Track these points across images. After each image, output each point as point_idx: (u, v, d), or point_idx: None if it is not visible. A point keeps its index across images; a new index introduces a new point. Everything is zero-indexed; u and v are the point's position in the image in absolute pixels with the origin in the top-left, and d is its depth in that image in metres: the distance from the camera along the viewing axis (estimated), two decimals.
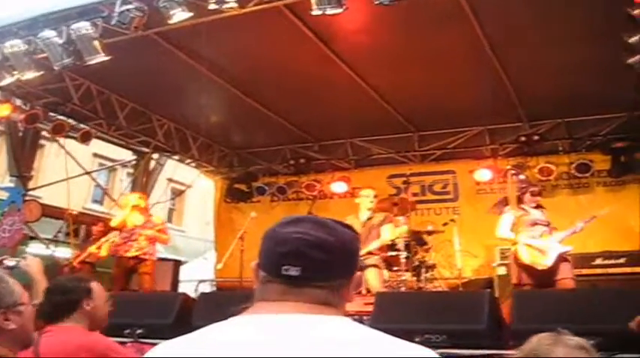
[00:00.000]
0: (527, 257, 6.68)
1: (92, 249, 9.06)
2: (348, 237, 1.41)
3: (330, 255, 1.34)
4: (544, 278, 6.60)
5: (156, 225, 8.66)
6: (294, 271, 1.31)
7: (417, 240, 8.53)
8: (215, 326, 1.31)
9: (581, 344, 1.74)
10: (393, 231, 8.01)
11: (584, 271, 8.32)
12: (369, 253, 7.53)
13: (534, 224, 6.85)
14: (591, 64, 7.85)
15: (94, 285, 3.11)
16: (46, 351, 2.67)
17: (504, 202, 7.26)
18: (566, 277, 6.57)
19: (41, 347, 2.67)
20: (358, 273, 1.45)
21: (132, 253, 8.34)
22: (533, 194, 7.08)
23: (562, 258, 6.62)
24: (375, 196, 8.09)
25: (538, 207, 7.05)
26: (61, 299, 2.97)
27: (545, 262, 6.59)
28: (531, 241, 6.73)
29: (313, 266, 1.32)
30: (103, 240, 8.98)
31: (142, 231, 8.42)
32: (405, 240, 8.33)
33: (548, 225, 6.88)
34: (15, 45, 7.20)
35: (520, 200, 7.09)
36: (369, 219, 7.82)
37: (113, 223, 8.71)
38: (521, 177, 8.29)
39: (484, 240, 9.77)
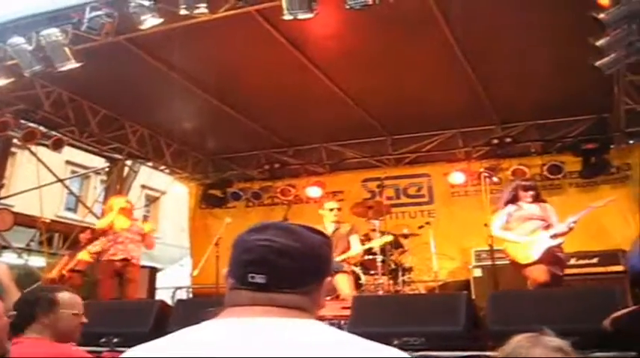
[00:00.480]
0: (512, 253, 6.68)
1: (81, 255, 8.91)
2: (315, 242, 1.42)
3: (295, 261, 1.35)
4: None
5: (141, 229, 8.63)
6: (259, 278, 1.32)
7: (392, 243, 8.55)
8: (186, 329, 1.33)
9: (560, 345, 1.75)
10: (374, 240, 8.12)
11: None
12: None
13: (527, 219, 6.77)
14: (561, 67, 7.96)
15: (62, 296, 2.99)
16: None
17: (504, 198, 7.11)
18: (543, 268, 6.42)
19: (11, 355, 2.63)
20: (328, 278, 1.45)
21: (119, 256, 8.27)
22: (524, 189, 6.99)
23: (551, 253, 6.50)
24: (339, 209, 8.13)
25: (536, 202, 6.94)
26: (23, 311, 2.90)
27: (529, 256, 6.50)
28: (518, 238, 6.69)
29: (278, 273, 1.33)
30: (90, 247, 8.84)
31: (127, 235, 8.38)
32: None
33: (543, 220, 6.75)
34: None
35: (516, 197, 6.96)
36: (336, 230, 7.88)
37: (99, 225, 8.61)
38: (494, 179, 8.34)
39: (460, 242, 9.84)
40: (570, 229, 6.61)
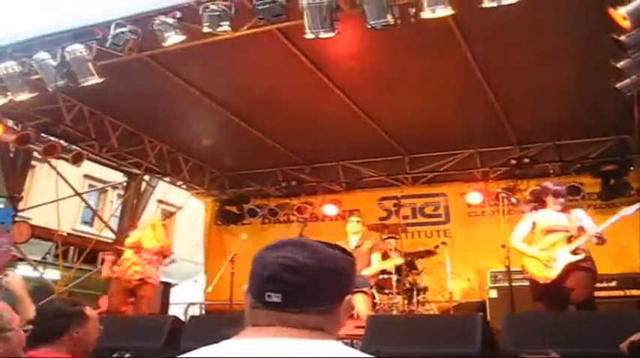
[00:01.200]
0: (531, 269, 6.27)
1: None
2: (335, 259, 1.38)
3: (311, 279, 1.31)
4: (551, 292, 6.12)
5: (166, 249, 8.58)
6: (275, 297, 1.29)
7: (408, 263, 8.51)
8: (205, 348, 1.31)
9: None
10: (385, 261, 8.05)
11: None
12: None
13: (550, 231, 6.27)
14: (581, 88, 7.94)
15: (88, 310, 3.05)
16: None
17: (530, 202, 6.79)
18: (576, 287, 5.95)
19: None
20: (349, 296, 1.41)
21: (136, 276, 8.19)
22: (555, 195, 6.36)
23: (572, 268, 6.00)
24: (359, 221, 8.10)
25: (564, 211, 6.35)
26: (52, 323, 2.89)
27: (548, 274, 6.10)
28: (537, 252, 6.25)
29: (294, 291, 1.30)
30: (115, 268, 8.67)
31: (146, 256, 8.31)
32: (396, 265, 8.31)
33: (567, 231, 6.18)
34: (9, 66, 7.22)
35: (544, 203, 6.44)
36: (358, 246, 7.83)
37: (128, 242, 8.52)
38: (513, 200, 8.25)
39: (476, 262, 9.77)
40: (599, 240, 6.04)
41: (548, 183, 6.62)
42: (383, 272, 8.10)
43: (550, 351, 1.69)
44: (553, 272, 6.08)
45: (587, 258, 6.11)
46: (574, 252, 6.07)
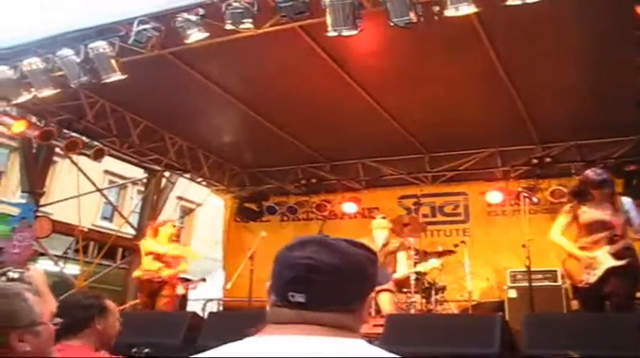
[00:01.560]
0: (570, 268, 5.85)
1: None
2: (358, 257, 1.37)
3: (335, 280, 1.31)
4: (589, 295, 5.74)
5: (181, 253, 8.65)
6: (299, 298, 1.29)
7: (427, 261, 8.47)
8: (229, 345, 1.30)
9: None
10: (416, 264, 8.03)
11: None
12: None
13: (592, 227, 5.74)
14: (603, 87, 7.86)
15: (109, 303, 3.10)
16: None
17: (575, 194, 6.06)
18: (614, 293, 5.52)
19: None
20: (372, 294, 1.41)
21: (156, 278, 8.27)
22: (594, 186, 5.75)
23: (613, 273, 5.52)
24: (384, 217, 8.11)
25: (610, 201, 5.75)
26: (75, 316, 2.92)
27: (587, 278, 5.64)
28: (578, 252, 5.75)
29: (318, 291, 1.30)
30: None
31: (166, 259, 8.36)
32: (416, 260, 8.27)
33: (611, 227, 5.63)
34: (33, 63, 7.30)
35: (585, 194, 5.86)
36: (385, 245, 7.81)
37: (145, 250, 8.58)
38: (534, 199, 8.15)
39: (495, 262, 9.71)
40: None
41: (590, 172, 5.95)
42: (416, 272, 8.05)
43: (570, 352, 1.66)
44: (592, 278, 5.61)
45: (631, 260, 5.57)
46: (617, 256, 5.55)
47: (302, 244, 1.36)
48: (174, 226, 8.95)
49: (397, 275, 7.73)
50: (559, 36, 6.97)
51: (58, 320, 2.75)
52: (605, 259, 5.56)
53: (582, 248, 5.77)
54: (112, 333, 3.08)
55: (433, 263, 8.04)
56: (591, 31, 6.73)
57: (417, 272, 7.97)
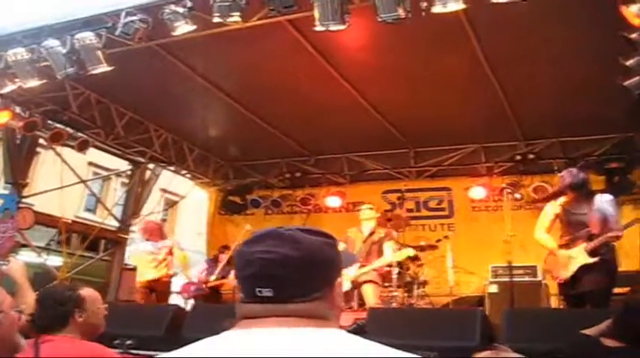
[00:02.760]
0: (549, 265, 6.21)
1: None
2: (316, 245, 1.37)
3: (298, 271, 1.31)
4: (567, 292, 6.09)
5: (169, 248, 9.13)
6: (266, 292, 1.29)
7: (413, 255, 8.52)
8: (208, 339, 1.31)
9: None
10: (396, 252, 8.03)
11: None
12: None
13: (570, 226, 6.06)
14: (588, 85, 7.92)
15: (86, 293, 3.04)
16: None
17: (553, 195, 6.45)
18: (590, 289, 5.77)
19: (42, 354, 2.65)
20: (340, 279, 1.41)
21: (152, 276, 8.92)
22: (571, 189, 6.07)
23: (587, 270, 5.79)
24: (371, 208, 8.18)
25: (587, 201, 5.98)
26: (53, 312, 2.91)
27: (562, 275, 5.98)
28: (557, 250, 6.09)
29: (284, 284, 1.30)
30: None
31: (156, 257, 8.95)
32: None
33: (588, 226, 5.89)
34: (18, 53, 7.21)
35: (565, 194, 6.17)
36: (370, 234, 7.86)
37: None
38: (517, 195, 8.24)
39: (478, 257, 9.77)
40: (616, 237, 5.80)
41: (566, 174, 6.22)
42: (389, 264, 8.10)
43: (498, 345, 1.71)
44: (567, 273, 5.93)
45: (605, 258, 5.81)
46: (592, 253, 5.79)
47: (258, 238, 1.37)
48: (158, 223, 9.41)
49: (378, 264, 7.75)
50: (545, 34, 7.03)
51: (23, 307, 2.74)
52: (579, 256, 5.84)
53: (563, 246, 6.05)
54: (96, 322, 3.05)
55: (406, 251, 8.03)
56: (576, 29, 6.78)
57: (397, 263, 8.02)
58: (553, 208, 6.25)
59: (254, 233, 1.40)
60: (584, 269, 5.80)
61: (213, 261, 10.28)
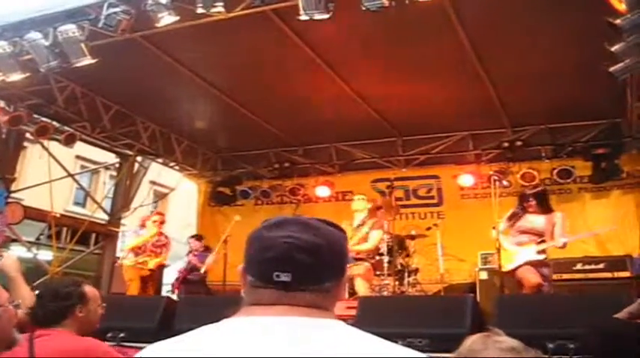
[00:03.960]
0: (502, 259, 6.85)
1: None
2: (335, 236, 1.40)
3: (318, 258, 1.32)
4: (511, 281, 6.90)
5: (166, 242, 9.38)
6: (285, 277, 1.30)
7: (399, 244, 8.56)
8: (208, 327, 1.30)
9: (512, 346, 1.75)
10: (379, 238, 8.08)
11: (565, 276, 8.44)
12: (359, 259, 7.64)
13: (524, 232, 6.91)
14: (574, 71, 7.95)
15: (88, 289, 3.08)
16: (41, 353, 2.65)
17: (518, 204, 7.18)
18: (523, 276, 6.59)
19: (37, 350, 2.65)
20: (348, 274, 1.44)
21: (147, 266, 9.06)
22: (524, 198, 7.09)
23: (528, 264, 6.68)
24: (364, 199, 8.27)
25: (544, 212, 6.97)
26: (54, 305, 2.92)
27: (509, 266, 6.79)
28: (509, 246, 6.92)
29: (303, 270, 1.31)
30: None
31: (152, 247, 9.15)
32: (388, 244, 8.35)
33: (541, 235, 6.83)
34: (0, 46, 7.15)
35: (522, 205, 7.11)
36: (360, 225, 7.91)
37: (137, 242, 9.19)
38: (504, 183, 8.30)
39: (468, 244, 9.83)
40: (563, 247, 6.79)
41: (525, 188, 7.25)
42: (375, 252, 8.12)
43: (491, 328, 1.75)
44: (511, 265, 6.80)
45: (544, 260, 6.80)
46: (539, 252, 6.75)
47: (280, 224, 1.37)
48: (160, 214, 9.64)
49: (361, 248, 7.82)
50: (530, 21, 7.03)
51: (18, 302, 2.75)
52: (528, 253, 6.75)
53: (513, 245, 6.95)
54: (94, 319, 3.08)
55: (376, 233, 8.08)
56: (562, 16, 6.78)
57: (388, 252, 8.08)
58: (511, 216, 7.11)
59: (271, 219, 1.41)
60: (526, 263, 6.69)
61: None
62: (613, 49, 5.86)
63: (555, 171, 10.23)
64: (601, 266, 8.67)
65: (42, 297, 3.01)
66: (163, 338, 1.33)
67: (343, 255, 1.43)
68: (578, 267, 8.67)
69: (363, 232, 7.90)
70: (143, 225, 9.26)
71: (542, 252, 6.74)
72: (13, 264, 3.53)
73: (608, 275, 8.57)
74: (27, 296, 3.26)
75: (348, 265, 1.47)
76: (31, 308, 2.94)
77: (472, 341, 1.80)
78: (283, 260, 1.31)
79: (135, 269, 8.95)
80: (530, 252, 6.72)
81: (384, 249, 8.21)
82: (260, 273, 1.34)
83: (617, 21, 5.53)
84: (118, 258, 11.67)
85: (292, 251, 1.31)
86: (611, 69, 6.08)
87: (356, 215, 8.11)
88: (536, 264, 6.65)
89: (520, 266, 6.67)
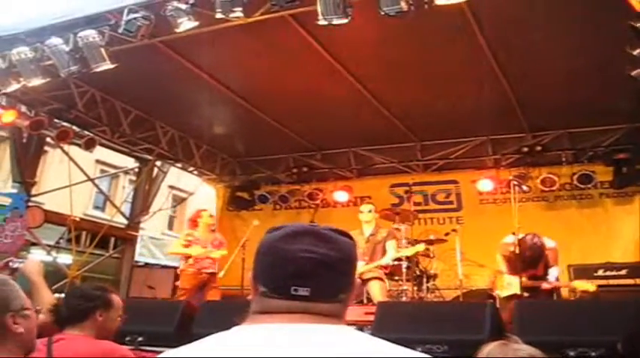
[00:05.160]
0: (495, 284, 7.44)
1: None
2: (349, 247, 1.39)
3: (335, 272, 1.32)
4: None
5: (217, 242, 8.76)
6: (303, 291, 1.28)
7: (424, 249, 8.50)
8: (219, 334, 1.29)
9: (531, 354, 1.72)
10: (400, 250, 8.02)
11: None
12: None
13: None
14: (594, 75, 7.88)
15: (114, 298, 3.12)
16: (60, 355, 2.68)
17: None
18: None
19: (55, 352, 2.68)
20: (358, 281, 1.43)
21: (208, 270, 8.52)
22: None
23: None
24: (370, 211, 8.12)
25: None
26: (78, 304, 2.97)
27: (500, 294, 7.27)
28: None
29: (322, 285, 1.30)
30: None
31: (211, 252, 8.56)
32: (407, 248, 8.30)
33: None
34: (22, 52, 7.24)
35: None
36: (373, 235, 7.86)
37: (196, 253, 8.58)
38: (524, 188, 8.22)
39: (487, 250, 9.75)
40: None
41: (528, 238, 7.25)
42: (399, 259, 8.07)
43: (509, 336, 1.71)
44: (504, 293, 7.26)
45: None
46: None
47: (295, 235, 1.34)
48: (212, 216, 9.13)
49: (382, 262, 7.75)
50: (550, 25, 6.98)
51: (39, 308, 2.79)
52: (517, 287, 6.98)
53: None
54: (112, 327, 3.09)
55: (417, 247, 8.05)
56: (582, 18, 6.73)
57: (407, 258, 7.99)
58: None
59: (284, 228, 1.38)
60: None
61: None
62: (635, 52, 5.80)
63: (575, 176, 10.13)
64: (623, 272, 8.57)
65: (69, 295, 3.04)
66: (181, 343, 1.32)
67: (355, 266, 1.42)
68: (600, 273, 8.56)
69: (376, 242, 7.85)
70: (195, 224, 8.85)
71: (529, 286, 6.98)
72: (35, 268, 3.56)
73: (631, 281, 8.47)
74: (48, 299, 3.28)
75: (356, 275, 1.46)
76: (55, 305, 2.97)
77: (490, 349, 1.77)
78: (303, 275, 1.29)
79: (192, 276, 8.50)
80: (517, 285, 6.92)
81: (412, 255, 8.15)
82: (276, 286, 1.31)
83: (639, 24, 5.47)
84: (137, 262, 11.72)
85: (312, 266, 1.29)
86: (633, 73, 6.01)
87: (365, 226, 8.03)
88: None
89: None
